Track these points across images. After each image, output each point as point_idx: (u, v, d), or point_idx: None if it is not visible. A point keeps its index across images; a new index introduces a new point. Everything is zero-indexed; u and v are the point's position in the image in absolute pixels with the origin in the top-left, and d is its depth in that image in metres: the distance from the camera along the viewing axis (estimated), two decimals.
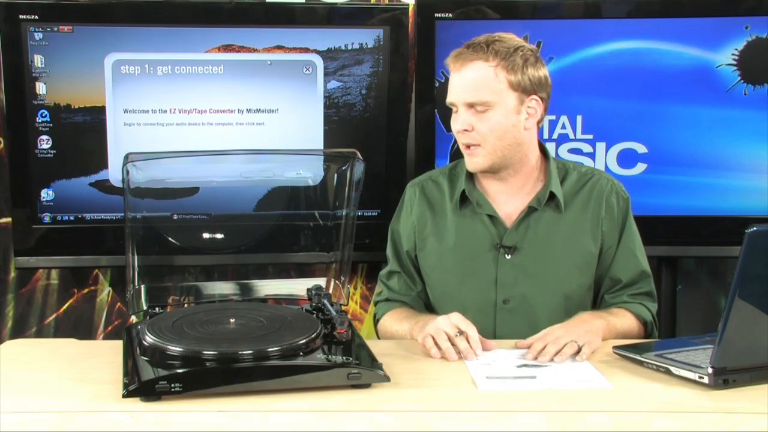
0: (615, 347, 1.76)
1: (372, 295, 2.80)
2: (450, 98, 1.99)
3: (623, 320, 1.97)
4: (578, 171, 2.10)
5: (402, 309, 2.09)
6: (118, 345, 1.75)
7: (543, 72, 1.99)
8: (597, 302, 2.07)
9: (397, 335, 2.01)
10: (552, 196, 2.03)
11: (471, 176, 2.09)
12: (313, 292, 1.89)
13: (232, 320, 1.74)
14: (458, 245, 2.06)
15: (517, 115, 1.97)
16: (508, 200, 2.05)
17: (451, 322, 1.78)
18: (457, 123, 1.98)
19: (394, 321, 2.05)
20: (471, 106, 1.95)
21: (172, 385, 1.48)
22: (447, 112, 2.56)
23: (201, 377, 1.51)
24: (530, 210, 2.03)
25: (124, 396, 1.48)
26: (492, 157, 1.98)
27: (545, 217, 2.03)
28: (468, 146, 1.98)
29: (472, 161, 2.00)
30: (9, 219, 2.67)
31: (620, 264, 2.04)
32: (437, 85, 2.60)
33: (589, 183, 2.07)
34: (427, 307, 2.14)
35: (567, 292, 2.02)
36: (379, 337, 2.13)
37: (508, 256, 2.02)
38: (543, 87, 1.99)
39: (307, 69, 2.58)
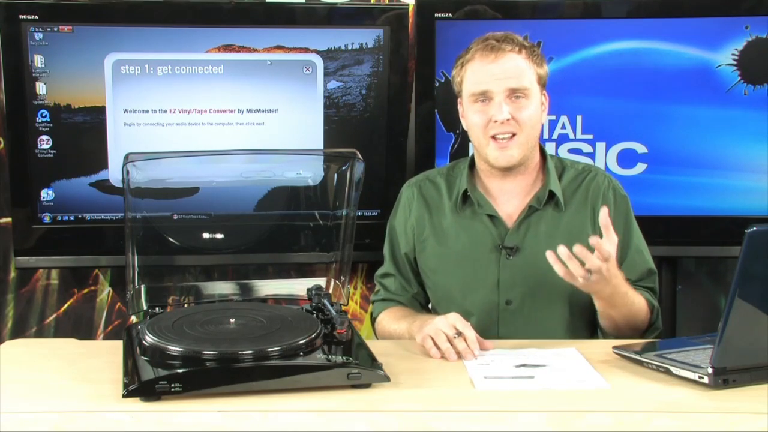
0: (615, 347, 1.75)
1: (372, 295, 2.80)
2: (484, 87, 1.96)
3: (638, 297, 1.95)
4: (575, 168, 2.10)
5: (399, 308, 2.09)
6: (118, 345, 1.74)
7: (548, 68, 2.05)
8: None
9: (394, 334, 2.01)
10: (551, 195, 2.03)
11: (471, 176, 2.09)
12: (313, 292, 1.89)
13: (232, 320, 1.74)
14: (459, 247, 2.05)
15: (541, 106, 2.00)
16: (509, 200, 2.05)
17: (449, 322, 1.77)
18: (500, 112, 1.94)
19: (392, 320, 2.05)
20: (512, 93, 1.95)
21: (172, 385, 1.47)
22: (447, 112, 2.58)
23: (201, 377, 1.51)
24: (530, 210, 2.03)
25: (124, 396, 1.47)
26: (524, 149, 1.98)
27: (545, 217, 2.03)
28: (497, 138, 1.96)
29: (507, 154, 1.98)
30: (9, 219, 2.66)
31: (630, 265, 2.02)
32: (437, 85, 2.60)
33: (586, 180, 2.08)
34: (424, 308, 2.14)
35: (570, 291, 2.01)
36: (376, 335, 2.13)
37: (510, 257, 2.02)
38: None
39: (307, 69, 2.58)
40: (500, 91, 1.95)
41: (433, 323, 1.79)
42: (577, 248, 1.73)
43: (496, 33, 2.01)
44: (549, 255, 1.75)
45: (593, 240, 1.73)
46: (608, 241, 1.75)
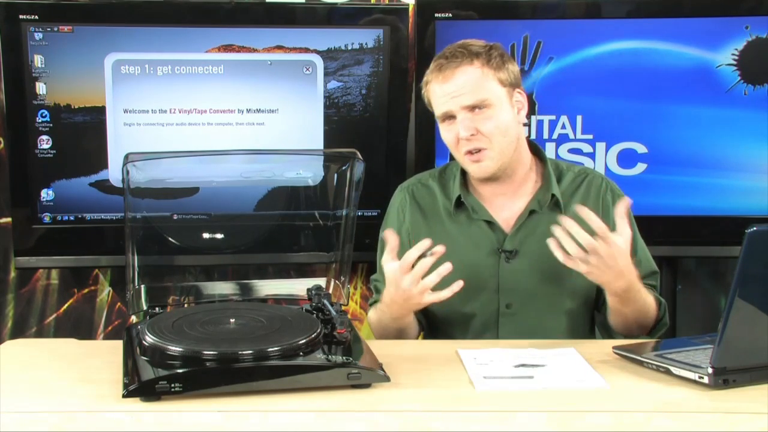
0: (615, 347, 1.75)
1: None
2: (444, 108, 1.97)
3: (648, 294, 1.94)
4: (572, 171, 2.10)
5: (376, 304, 2.07)
6: (118, 345, 1.74)
7: (516, 67, 2.03)
8: (601, 302, 2.05)
9: (383, 325, 2.00)
10: (552, 197, 2.03)
11: (464, 180, 2.08)
12: (313, 292, 1.89)
13: (232, 320, 1.74)
14: (457, 252, 2.04)
15: (512, 109, 1.98)
16: (504, 204, 2.05)
17: (401, 280, 1.82)
18: (463, 129, 1.94)
19: (375, 316, 2.04)
20: (471, 108, 1.94)
21: (172, 385, 1.47)
22: None
23: (201, 377, 1.51)
24: (530, 213, 2.03)
25: (124, 396, 1.47)
26: (499, 158, 1.97)
27: (544, 220, 2.02)
28: (472, 152, 1.97)
29: (481, 167, 1.98)
30: (9, 219, 2.67)
31: (637, 263, 2.00)
32: None
33: (585, 182, 2.07)
34: (418, 312, 2.12)
35: (570, 293, 2.01)
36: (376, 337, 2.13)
37: (509, 261, 2.02)
38: (520, 80, 2.03)
39: (307, 69, 2.58)
40: (458, 109, 1.95)
41: (397, 292, 1.84)
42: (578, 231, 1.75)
43: (451, 46, 2.00)
44: (550, 242, 1.76)
45: (598, 229, 1.75)
46: (620, 233, 1.76)
